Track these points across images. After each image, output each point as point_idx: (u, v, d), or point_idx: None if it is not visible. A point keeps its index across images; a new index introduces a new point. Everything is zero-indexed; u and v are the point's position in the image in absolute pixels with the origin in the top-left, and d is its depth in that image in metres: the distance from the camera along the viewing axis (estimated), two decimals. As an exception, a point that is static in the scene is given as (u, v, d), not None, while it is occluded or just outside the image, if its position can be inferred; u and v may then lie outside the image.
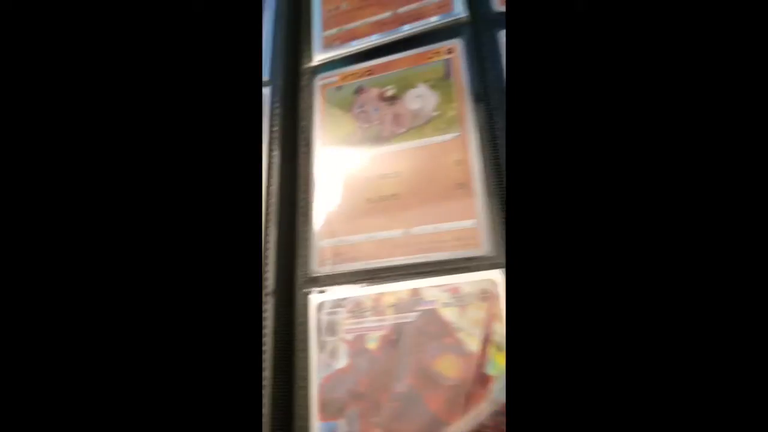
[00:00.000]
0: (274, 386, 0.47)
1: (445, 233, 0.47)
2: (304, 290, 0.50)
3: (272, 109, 0.61)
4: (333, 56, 0.62)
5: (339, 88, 0.60)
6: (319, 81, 0.61)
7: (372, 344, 0.45)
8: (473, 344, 0.42)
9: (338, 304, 0.48)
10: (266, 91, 0.62)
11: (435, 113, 0.53)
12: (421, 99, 0.55)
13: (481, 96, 0.52)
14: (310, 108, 0.60)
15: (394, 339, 0.44)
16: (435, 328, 0.43)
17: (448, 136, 0.51)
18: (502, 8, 0.57)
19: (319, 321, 0.48)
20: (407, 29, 0.59)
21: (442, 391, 0.41)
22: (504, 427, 0.39)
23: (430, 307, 0.44)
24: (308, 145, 0.58)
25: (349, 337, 0.46)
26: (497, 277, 0.44)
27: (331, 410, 0.44)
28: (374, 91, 0.58)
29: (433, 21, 0.58)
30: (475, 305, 0.43)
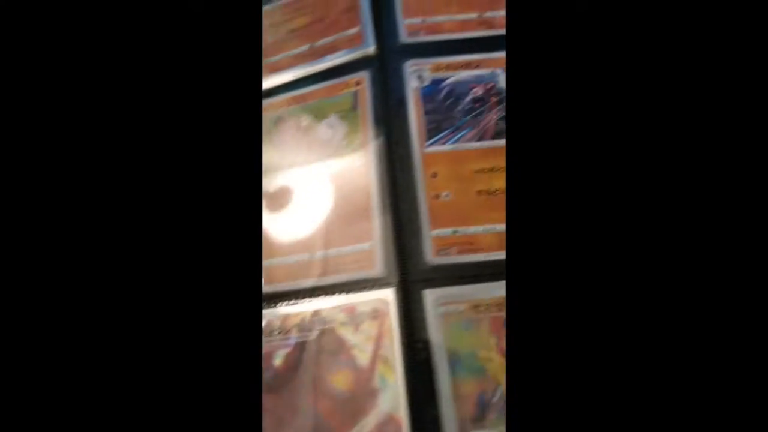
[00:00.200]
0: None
1: (345, 256, 0.51)
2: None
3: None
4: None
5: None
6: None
7: (278, 361, 0.49)
8: (365, 360, 0.45)
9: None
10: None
11: (343, 142, 0.57)
12: (332, 128, 0.58)
13: (383, 125, 0.56)
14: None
15: (296, 356, 0.48)
16: (332, 346, 0.47)
17: (353, 164, 0.55)
18: (409, 40, 0.61)
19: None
20: (323, 62, 0.63)
21: (336, 404, 0.45)
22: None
23: (329, 326, 0.48)
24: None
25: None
26: (388, 296, 0.47)
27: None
28: (292, 122, 0.61)
29: (344, 54, 0.62)
30: (367, 323, 0.47)
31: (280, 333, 0.50)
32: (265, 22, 0.69)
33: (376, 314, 0.47)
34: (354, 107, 0.59)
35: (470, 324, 0.45)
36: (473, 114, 0.56)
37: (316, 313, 0.49)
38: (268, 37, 0.69)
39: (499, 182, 0.51)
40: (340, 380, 0.45)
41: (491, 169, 0.52)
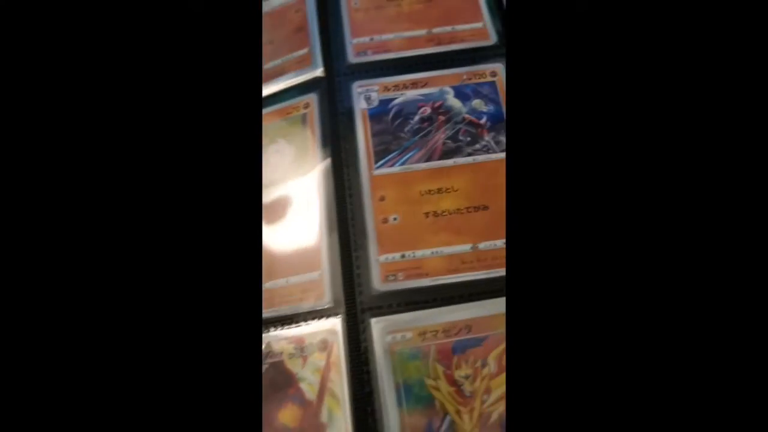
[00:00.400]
0: None
1: (294, 286, 0.50)
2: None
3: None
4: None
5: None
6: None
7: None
8: (312, 394, 0.45)
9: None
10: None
11: (292, 166, 0.56)
12: (279, 153, 0.58)
13: (330, 148, 0.56)
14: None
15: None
16: (281, 379, 0.46)
17: (301, 189, 0.54)
18: (357, 60, 0.61)
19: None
20: (272, 86, 0.62)
21: (285, 440, 0.44)
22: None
23: (278, 359, 0.47)
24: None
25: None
26: (337, 326, 0.47)
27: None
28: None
29: (293, 76, 0.61)
30: (316, 355, 0.46)
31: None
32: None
33: (325, 345, 0.46)
34: (302, 131, 0.58)
35: (417, 352, 0.44)
36: (421, 134, 0.55)
37: (267, 346, 0.48)
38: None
39: (447, 203, 0.51)
40: (287, 416, 0.44)
41: (439, 190, 0.52)
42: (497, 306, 0.45)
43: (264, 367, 0.47)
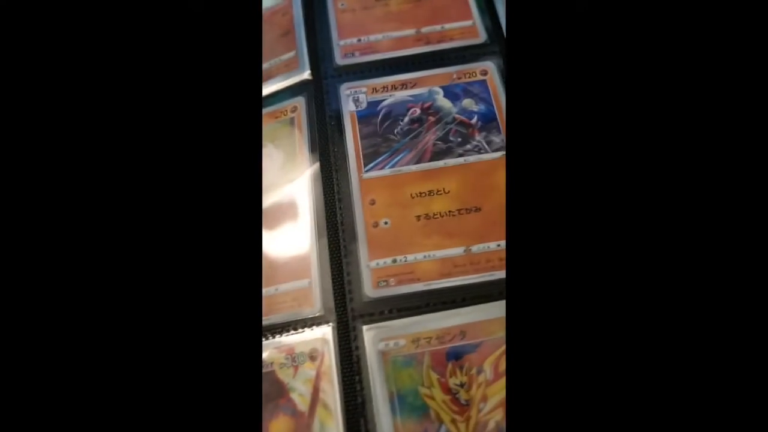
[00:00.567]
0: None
1: (285, 294, 0.49)
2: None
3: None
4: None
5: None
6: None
7: (219, 411, 0.47)
8: (304, 405, 0.43)
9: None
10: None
11: (280, 172, 0.55)
12: (267, 158, 0.56)
13: (319, 152, 0.54)
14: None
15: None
16: (272, 390, 0.45)
17: (289, 195, 0.53)
18: (344, 62, 0.60)
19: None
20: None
21: (277, 454, 0.43)
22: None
23: (269, 369, 0.46)
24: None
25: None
26: (327, 335, 0.45)
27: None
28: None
29: (280, 80, 0.60)
30: (307, 365, 0.45)
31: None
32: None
33: (315, 354, 0.45)
34: (290, 135, 0.57)
35: (411, 360, 0.43)
36: (411, 136, 0.54)
37: (255, 356, 0.47)
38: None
39: (438, 205, 0.50)
40: (278, 428, 0.43)
41: (430, 193, 0.51)
42: (492, 310, 0.44)
43: (254, 378, 0.46)
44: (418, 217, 0.50)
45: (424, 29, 0.61)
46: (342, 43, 0.61)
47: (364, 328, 0.45)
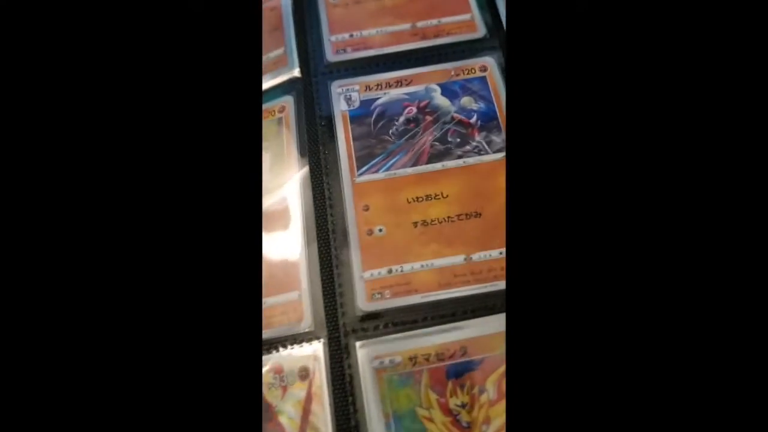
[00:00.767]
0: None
1: (273, 308, 0.45)
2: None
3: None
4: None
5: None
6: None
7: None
8: (293, 428, 0.40)
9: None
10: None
11: (268, 176, 0.52)
12: (255, 163, 0.53)
13: (309, 154, 0.51)
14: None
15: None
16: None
17: (278, 201, 0.50)
18: (335, 58, 0.57)
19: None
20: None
21: (264, 482, 0.40)
22: None
23: (255, 389, 0.43)
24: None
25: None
26: (318, 352, 0.42)
27: None
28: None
29: (268, 79, 0.57)
30: (296, 385, 0.42)
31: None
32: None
33: (305, 374, 0.42)
34: (278, 136, 0.54)
35: (408, 379, 0.40)
36: (407, 136, 0.51)
37: (241, 375, 0.44)
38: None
39: (436, 211, 0.47)
40: (266, 454, 0.40)
41: (427, 197, 0.47)
42: (495, 324, 0.41)
43: (240, 399, 0.43)
44: (415, 224, 0.46)
45: (420, 24, 0.58)
46: (333, 38, 0.58)
47: (357, 344, 0.42)
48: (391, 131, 0.51)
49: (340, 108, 0.53)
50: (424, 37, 0.57)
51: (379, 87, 0.54)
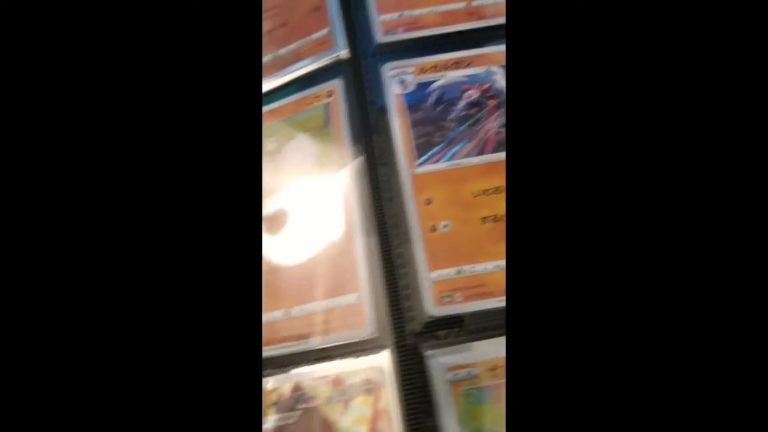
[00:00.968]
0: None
1: (327, 312, 0.41)
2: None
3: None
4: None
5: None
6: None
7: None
8: (358, 449, 0.36)
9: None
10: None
11: (314, 167, 0.47)
12: (298, 152, 0.49)
13: (362, 143, 0.47)
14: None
15: (274, 446, 0.38)
16: (316, 431, 0.37)
17: (327, 194, 0.46)
18: (386, 39, 0.52)
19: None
20: (287, 73, 0.53)
21: None
22: None
23: (313, 404, 0.38)
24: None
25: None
26: (383, 363, 0.38)
27: None
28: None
29: (312, 62, 0.52)
30: (360, 399, 0.37)
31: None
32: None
33: (370, 387, 0.37)
34: (326, 123, 0.49)
35: (487, 393, 0.36)
36: (469, 122, 0.46)
37: (296, 387, 0.39)
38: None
39: (506, 205, 0.42)
40: (328, 478, 0.36)
41: (496, 190, 0.43)
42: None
43: (297, 414, 0.38)
44: (484, 219, 0.42)
45: (475, 3, 0.53)
46: (382, 18, 0.53)
47: (429, 354, 0.37)
48: (451, 117, 0.47)
49: (394, 91, 0.48)
50: (480, 17, 0.52)
51: (436, 69, 0.49)
